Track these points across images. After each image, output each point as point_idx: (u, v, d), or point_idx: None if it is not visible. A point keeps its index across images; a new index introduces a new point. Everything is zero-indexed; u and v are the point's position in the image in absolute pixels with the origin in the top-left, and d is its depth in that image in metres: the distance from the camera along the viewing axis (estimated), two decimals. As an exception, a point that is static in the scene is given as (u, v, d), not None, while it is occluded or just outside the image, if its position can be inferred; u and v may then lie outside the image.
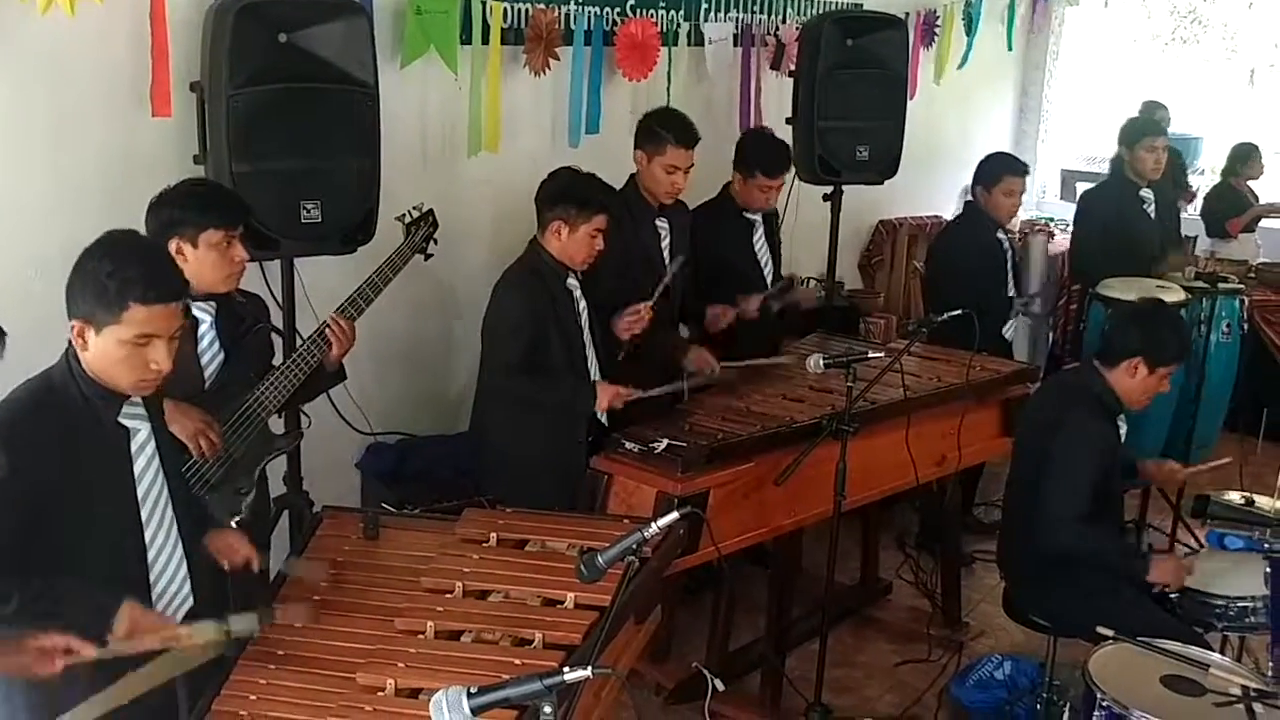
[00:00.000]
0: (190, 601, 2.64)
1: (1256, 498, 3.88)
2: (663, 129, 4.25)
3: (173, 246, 2.94)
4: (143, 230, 3.00)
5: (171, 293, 2.41)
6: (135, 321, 2.34)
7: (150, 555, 2.53)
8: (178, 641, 2.38)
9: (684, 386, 4.00)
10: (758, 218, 4.78)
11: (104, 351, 2.36)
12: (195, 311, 3.04)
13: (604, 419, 3.92)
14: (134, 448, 2.50)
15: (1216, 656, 3.20)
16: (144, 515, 2.52)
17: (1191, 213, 7.42)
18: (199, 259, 2.99)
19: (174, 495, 2.61)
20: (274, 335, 3.46)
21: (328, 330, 3.29)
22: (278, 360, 3.37)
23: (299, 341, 3.52)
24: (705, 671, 2.46)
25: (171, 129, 3.69)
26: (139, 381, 2.42)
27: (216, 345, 3.14)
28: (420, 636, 2.63)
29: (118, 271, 2.32)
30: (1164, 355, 3.70)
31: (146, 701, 2.35)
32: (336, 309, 3.35)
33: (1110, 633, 3.09)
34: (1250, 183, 7.38)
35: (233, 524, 3.02)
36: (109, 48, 3.57)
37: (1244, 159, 7.32)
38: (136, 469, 2.51)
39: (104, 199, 3.60)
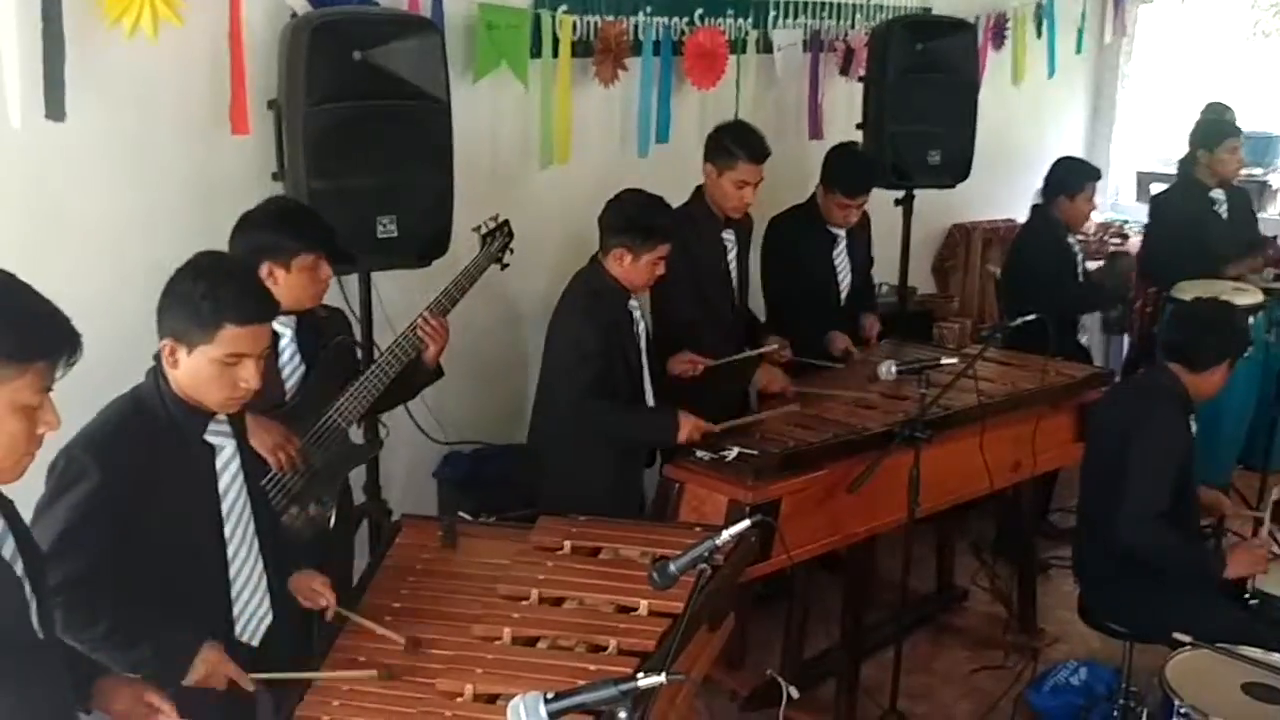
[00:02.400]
0: (270, 618, 2.68)
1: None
2: (734, 144, 4.23)
3: (264, 270, 3.00)
4: (227, 250, 3.09)
5: (263, 313, 2.48)
6: (227, 341, 2.40)
7: (232, 571, 2.59)
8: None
9: (761, 417, 3.97)
10: (841, 232, 4.76)
11: (195, 370, 2.43)
12: (276, 326, 3.08)
13: None
14: (219, 464, 2.56)
15: (1300, 664, 3.14)
16: (227, 531, 2.57)
17: (1272, 213, 7.26)
18: (291, 282, 3.06)
19: (257, 512, 2.66)
20: (356, 348, 3.53)
21: (420, 329, 3.33)
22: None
23: (376, 353, 3.58)
24: (780, 679, 2.48)
25: (250, 147, 3.77)
26: (228, 399, 2.48)
27: (298, 359, 3.19)
28: (497, 643, 2.67)
29: (212, 292, 2.39)
30: (1235, 347, 3.74)
31: (225, 706, 2.42)
32: (425, 308, 3.40)
33: (1188, 638, 3.04)
34: None
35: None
36: (189, 69, 3.66)
37: None
38: (221, 485, 2.56)
39: (186, 216, 3.69)
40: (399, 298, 3.96)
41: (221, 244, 3.22)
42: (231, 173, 3.78)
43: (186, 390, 2.46)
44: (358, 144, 3.63)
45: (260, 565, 2.66)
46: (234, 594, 2.60)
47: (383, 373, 3.28)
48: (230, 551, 2.58)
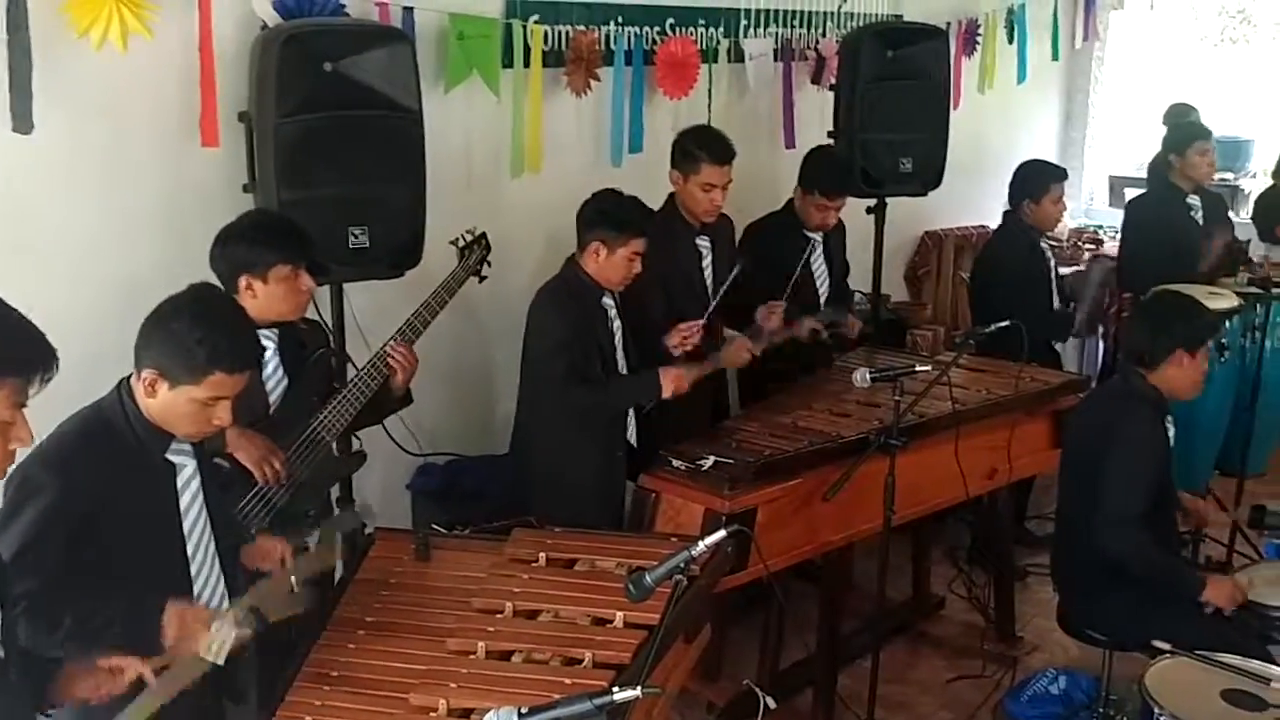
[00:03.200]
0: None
1: (1315, 508, 3.82)
2: (697, 148, 4.25)
3: (242, 283, 3.04)
4: (208, 264, 3.08)
5: (253, 362, 2.53)
6: (212, 385, 2.42)
7: (195, 588, 2.57)
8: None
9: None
10: (818, 236, 4.78)
11: (172, 405, 2.44)
12: (260, 338, 3.10)
13: (634, 439, 3.94)
14: (180, 483, 2.55)
15: (1279, 670, 3.14)
16: (189, 550, 2.56)
17: (1243, 217, 7.30)
18: (269, 294, 3.07)
19: (217, 532, 2.65)
20: (335, 361, 3.53)
21: (389, 358, 3.34)
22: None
23: (350, 369, 3.56)
24: (757, 689, 2.46)
25: (221, 159, 3.74)
26: (197, 434, 2.52)
27: (280, 371, 3.20)
28: (471, 657, 2.65)
29: (207, 339, 2.40)
30: (1200, 336, 3.67)
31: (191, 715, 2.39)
32: (395, 333, 3.40)
33: (1167, 646, 3.05)
34: None
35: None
36: (158, 80, 3.63)
37: None
38: (182, 503, 2.56)
39: (156, 229, 3.67)
40: (371, 309, 3.94)
41: (192, 256, 3.21)
42: (201, 185, 3.75)
43: (157, 419, 2.47)
44: (329, 155, 3.61)
45: (223, 584, 2.64)
46: None
47: (358, 392, 3.29)
48: (193, 570, 2.57)
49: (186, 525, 2.56)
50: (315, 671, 2.61)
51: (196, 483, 2.59)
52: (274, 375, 3.19)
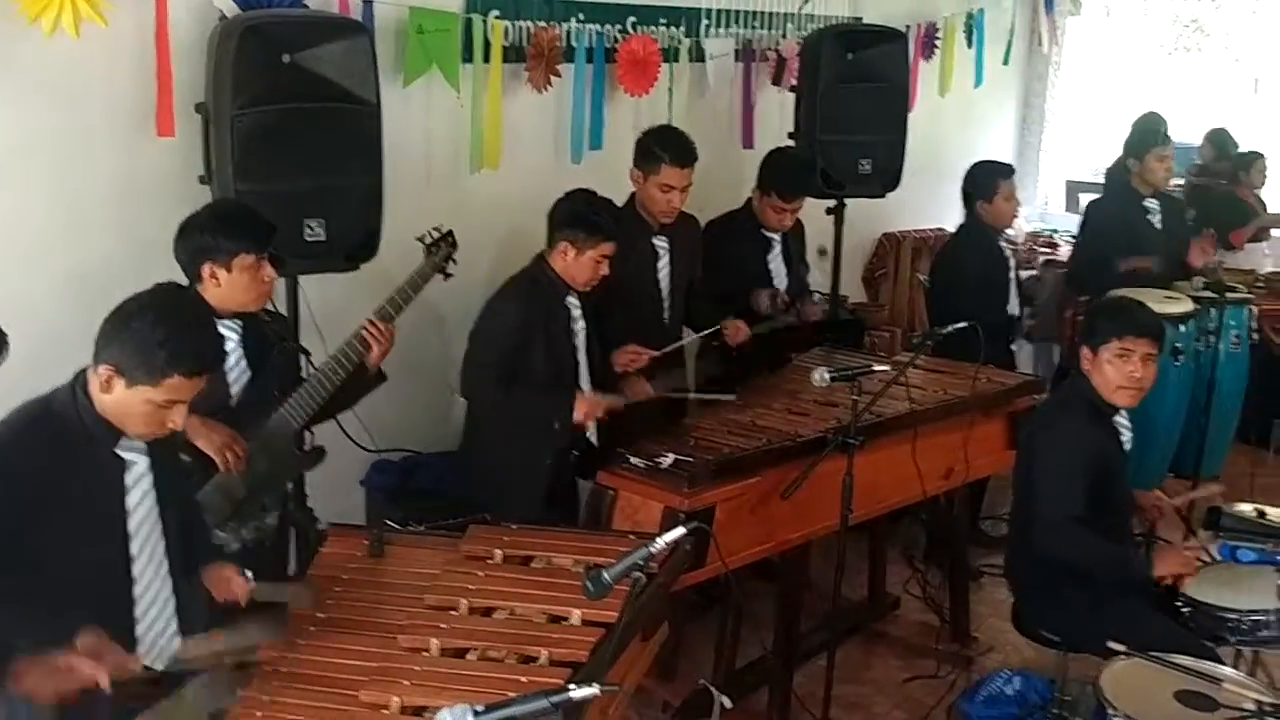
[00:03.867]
0: (176, 641, 2.62)
1: (1268, 509, 3.85)
2: (659, 148, 4.24)
3: (205, 271, 3.05)
4: (161, 256, 3.04)
5: (213, 366, 2.50)
6: (171, 388, 2.39)
7: (137, 589, 2.53)
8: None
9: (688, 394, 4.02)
10: (776, 236, 4.78)
11: (127, 404, 2.39)
12: (222, 329, 3.08)
13: (594, 438, 3.92)
14: (129, 480, 2.51)
15: (1230, 671, 3.17)
16: (134, 548, 2.51)
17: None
18: (232, 283, 3.07)
19: (167, 531, 2.59)
20: (300, 354, 3.52)
21: (365, 333, 3.34)
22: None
23: (305, 364, 3.53)
24: (712, 689, 2.45)
25: (176, 150, 3.70)
26: (148, 435, 2.47)
27: (243, 363, 3.19)
28: (425, 654, 2.62)
29: (171, 341, 2.36)
30: (1098, 334, 3.67)
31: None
32: (370, 316, 3.39)
33: (1122, 648, 3.06)
34: (1257, 192, 7.35)
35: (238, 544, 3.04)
36: (113, 69, 3.58)
37: (1247, 167, 7.30)
38: (130, 501, 2.51)
39: (109, 219, 3.63)
40: (327, 302, 3.91)
41: (146, 248, 3.18)
42: (156, 175, 3.71)
43: (109, 413, 2.43)
44: (286, 147, 3.58)
45: (168, 586, 2.59)
46: (138, 613, 2.55)
47: (326, 380, 3.28)
48: (136, 569, 2.52)
49: (132, 524, 2.51)
50: (264, 668, 2.56)
51: (148, 481, 2.54)
52: (236, 367, 3.18)
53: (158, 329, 2.35)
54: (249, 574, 2.67)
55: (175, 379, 2.37)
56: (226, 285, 3.06)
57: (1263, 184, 7.30)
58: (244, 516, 3.11)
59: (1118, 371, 3.63)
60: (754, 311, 4.66)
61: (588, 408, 3.74)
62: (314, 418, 3.36)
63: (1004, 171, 5.37)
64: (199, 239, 3.07)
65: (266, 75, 3.53)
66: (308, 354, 3.62)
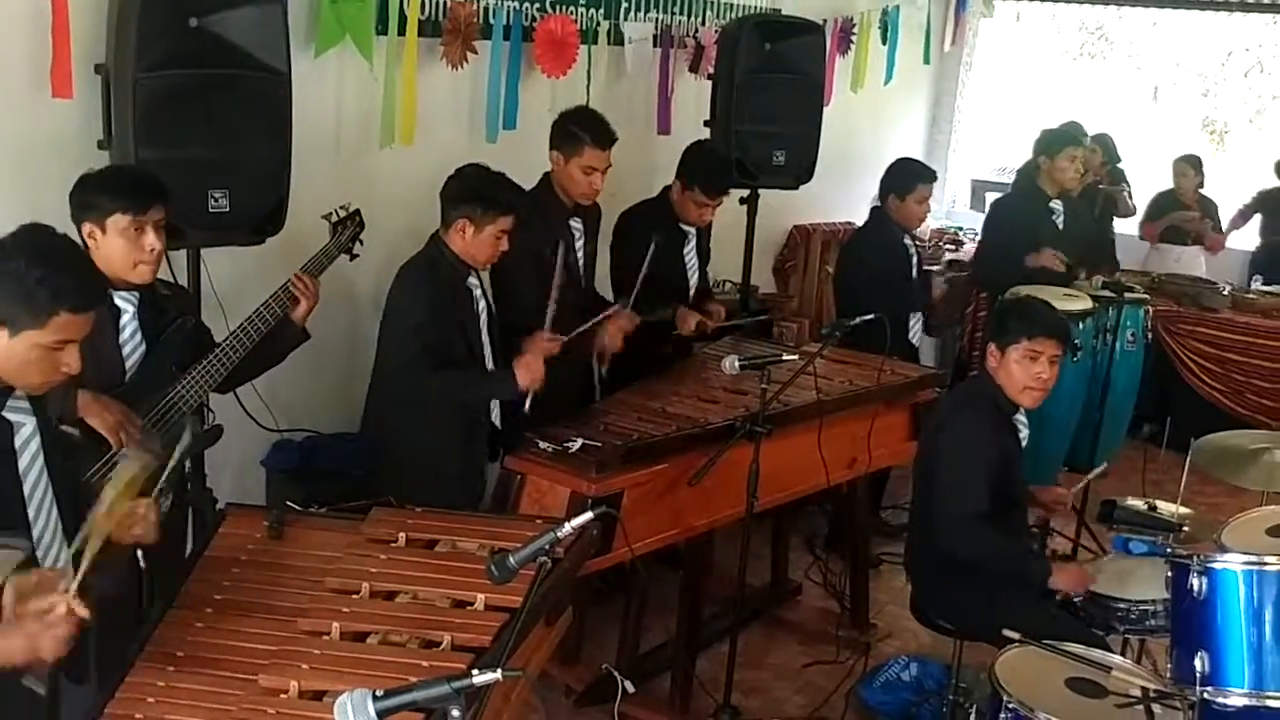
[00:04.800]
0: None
1: (1159, 503, 3.97)
2: (580, 129, 4.20)
3: (85, 230, 2.93)
4: (59, 221, 2.92)
5: (99, 298, 2.38)
6: (59, 328, 2.26)
7: (38, 554, 2.43)
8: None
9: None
10: (691, 229, 4.78)
11: (15, 353, 2.27)
12: (118, 301, 2.99)
13: (497, 420, 3.90)
14: (18, 443, 2.39)
15: (1118, 659, 3.27)
16: (30, 514, 2.41)
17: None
18: (108, 246, 2.94)
19: (59, 494, 2.49)
20: (204, 329, 3.40)
21: (293, 284, 3.28)
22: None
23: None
24: (615, 673, 2.45)
25: (74, 111, 3.56)
26: (45, 383, 2.35)
27: (139, 337, 3.07)
28: (325, 638, 2.57)
29: (50, 278, 2.24)
30: (1007, 334, 3.71)
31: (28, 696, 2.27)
32: (301, 267, 3.35)
33: (1016, 635, 3.13)
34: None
35: None
36: (4, 25, 3.43)
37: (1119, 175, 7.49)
38: (21, 465, 2.40)
39: (2, 183, 3.47)
40: (230, 276, 3.80)
41: (42, 212, 3.00)
42: (53, 139, 3.56)
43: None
44: (191, 113, 3.47)
45: (65, 549, 2.48)
46: None
47: (237, 346, 3.19)
48: (35, 534, 2.41)
49: (26, 489, 2.40)
50: (159, 651, 2.49)
51: (36, 443, 2.42)
52: (131, 341, 3.06)
53: (33, 268, 2.23)
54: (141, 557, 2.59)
55: (63, 316, 2.25)
56: (103, 247, 2.93)
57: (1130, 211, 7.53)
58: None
59: (1025, 372, 3.69)
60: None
61: (528, 371, 3.64)
62: (230, 382, 3.30)
63: (926, 175, 5.42)
64: (81, 195, 2.97)
65: (172, 38, 3.41)
66: (208, 330, 3.52)
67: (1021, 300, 4.02)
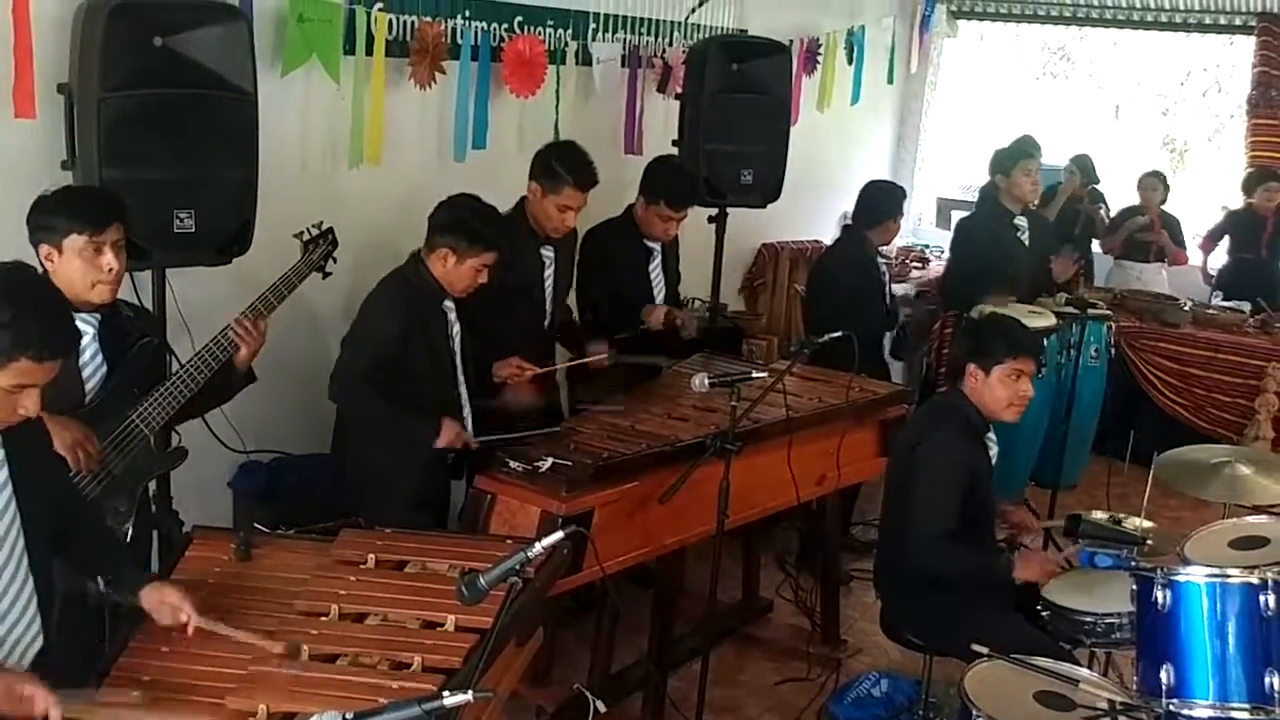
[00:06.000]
0: (39, 642, 2.49)
1: (1123, 517, 4.00)
2: (563, 168, 4.21)
3: (43, 252, 2.91)
4: (18, 244, 2.91)
5: (66, 349, 2.32)
6: (19, 372, 2.23)
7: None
8: None
9: (554, 430, 3.98)
10: (657, 246, 4.79)
11: None
12: (78, 323, 2.92)
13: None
14: None
15: (1085, 672, 3.29)
16: None
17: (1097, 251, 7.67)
18: (65, 266, 2.91)
19: (28, 528, 2.44)
20: (166, 351, 3.37)
21: (232, 329, 3.22)
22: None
23: (172, 362, 3.40)
24: (587, 693, 2.44)
25: (36, 132, 3.53)
26: (2, 422, 2.31)
27: (100, 358, 3.04)
28: (294, 660, 2.55)
29: (16, 322, 2.20)
30: (991, 354, 3.74)
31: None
32: (240, 314, 3.28)
33: (985, 650, 3.14)
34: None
35: None
36: (-33, 45, 3.41)
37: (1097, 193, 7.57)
38: None
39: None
40: (196, 297, 3.78)
41: (1, 233, 3.01)
42: (15, 159, 3.53)
43: None
44: (156, 133, 3.45)
45: (29, 584, 2.45)
46: None
47: (190, 378, 3.16)
48: None
49: None
50: (124, 676, 2.47)
51: (3, 473, 2.40)
52: (92, 363, 3.03)
53: (2, 310, 2.20)
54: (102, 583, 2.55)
55: (22, 363, 2.21)
56: (60, 268, 2.90)
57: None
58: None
59: (1010, 391, 3.74)
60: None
61: (452, 436, 3.66)
62: (178, 417, 3.24)
63: (899, 200, 5.53)
64: (34, 217, 2.94)
65: (136, 57, 3.39)
66: (172, 351, 3.49)
67: (998, 320, 4.05)
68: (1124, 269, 7.58)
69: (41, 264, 2.91)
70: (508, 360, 4.02)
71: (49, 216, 2.92)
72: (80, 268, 2.92)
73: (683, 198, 4.72)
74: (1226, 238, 7.54)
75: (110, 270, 2.96)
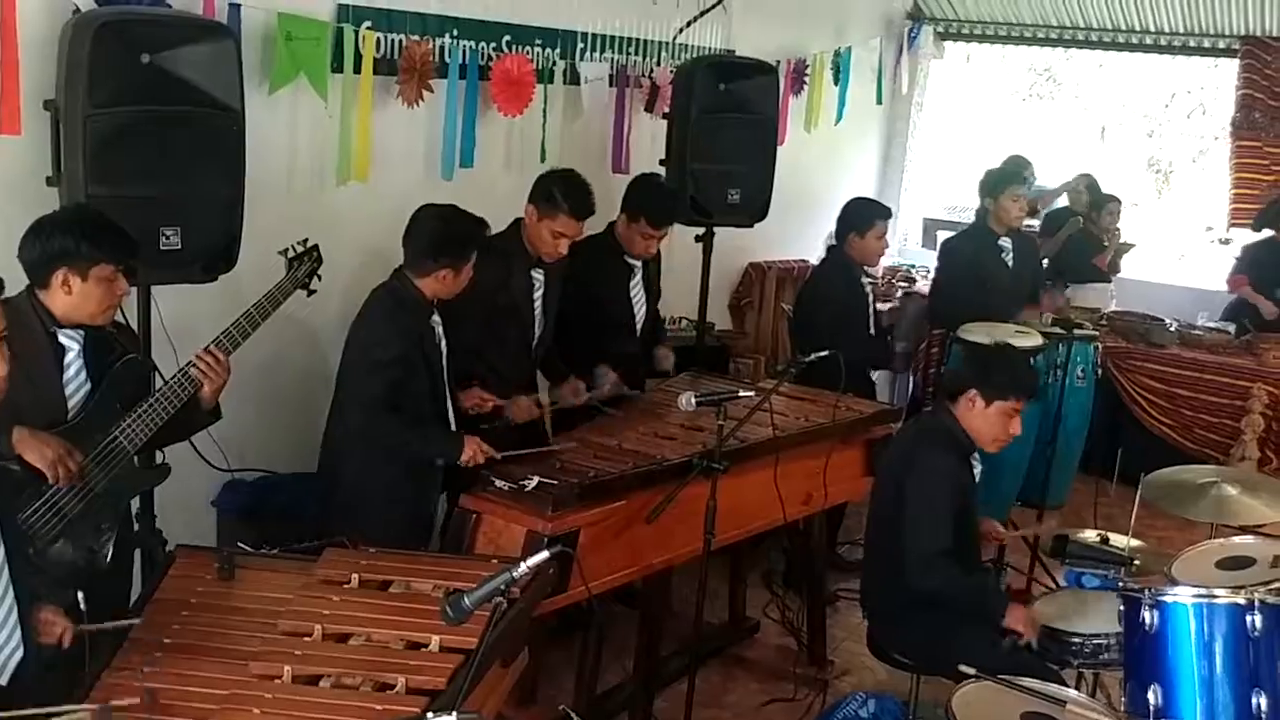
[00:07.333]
0: (20, 653, 2.46)
1: (1111, 536, 4.01)
2: (562, 197, 4.19)
3: (58, 277, 2.91)
4: (15, 255, 2.90)
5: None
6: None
7: None
8: None
9: (553, 447, 3.97)
10: (638, 263, 4.79)
11: None
12: (63, 339, 2.96)
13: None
14: None
15: (1073, 693, 3.28)
16: None
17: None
18: (86, 293, 2.93)
19: (7, 540, 2.44)
20: (150, 369, 3.35)
21: (193, 368, 3.16)
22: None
23: (157, 378, 3.38)
24: (572, 714, 2.43)
25: (22, 148, 3.53)
26: None
27: (83, 375, 3.03)
28: (277, 681, 2.53)
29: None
30: (997, 389, 3.77)
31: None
32: (211, 342, 3.23)
33: (972, 670, 3.14)
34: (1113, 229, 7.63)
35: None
36: (-47, 61, 3.40)
37: (1099, 207, 7.58)
38: None
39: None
40: (182, 314, 3.76)
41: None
42: (0, 176, 3.52)
43: None
44: (142, 150, 3.45)
45: (9, 595, 2.44)
46: None
47: (166, 401, 3.12)
48: None
49: None
50: (107, 696, 2.44)
51: None
52: (76, 379, 3.02)
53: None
54: (81, 600, 2.53)
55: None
56: (79, 294, 2.92)
57: (1113, 225, 7.60)
58: (75, 536, 2.92)
59: (1003, 427, 3.79)
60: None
61: (475, 450, 3.67)
62: (148, 444, 3.20)
63: (883, 212, 5.51)
64: (59, 241, 2.91)
65: (124, 75, 3.39)
66: (156, 368, 3.47)
67: (1012, 357, 4.07)
68: (1082, 290, 7.51)
69: (42, 285, 2.91)
70: (470, 390, 4.01)
71: (75, 243, 2.91)
72: (100, 295, 2.95)
73: (664, 216, 4.72)
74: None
75: (123, 293, 3.03)
